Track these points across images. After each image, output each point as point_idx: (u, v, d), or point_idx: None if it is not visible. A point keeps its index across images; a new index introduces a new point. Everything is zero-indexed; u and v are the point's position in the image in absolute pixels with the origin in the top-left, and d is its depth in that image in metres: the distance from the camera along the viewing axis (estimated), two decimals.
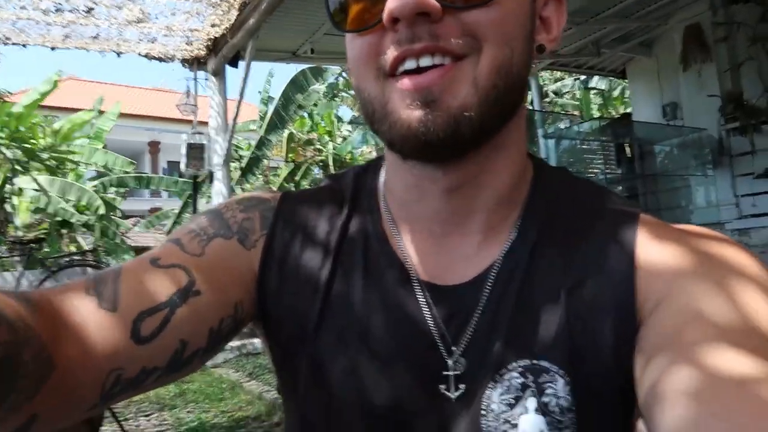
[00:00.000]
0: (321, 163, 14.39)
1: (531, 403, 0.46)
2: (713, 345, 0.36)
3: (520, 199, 0.53)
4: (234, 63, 5.59)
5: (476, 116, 0.43)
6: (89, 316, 0.42)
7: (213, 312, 0.48)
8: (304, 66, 9.09)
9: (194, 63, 5.86)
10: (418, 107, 0.42)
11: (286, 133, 12.91)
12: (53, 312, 0.41)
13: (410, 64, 0.43)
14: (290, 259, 0.54)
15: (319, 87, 12.22)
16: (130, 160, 11.03)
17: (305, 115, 14.54)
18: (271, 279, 0.54)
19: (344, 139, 15.57)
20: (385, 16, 0.42)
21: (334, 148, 14.60)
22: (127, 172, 11.32)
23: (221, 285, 0.50)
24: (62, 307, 0.42)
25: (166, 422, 4.18)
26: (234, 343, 5.85)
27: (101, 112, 11.64)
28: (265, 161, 12.01)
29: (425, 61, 0.43)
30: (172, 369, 0.46)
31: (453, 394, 0.48)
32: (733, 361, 0.35)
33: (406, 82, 0.43)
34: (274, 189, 13.27)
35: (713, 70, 6.32)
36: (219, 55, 5.53)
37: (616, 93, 13.79)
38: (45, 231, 9.26)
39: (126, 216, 15.33)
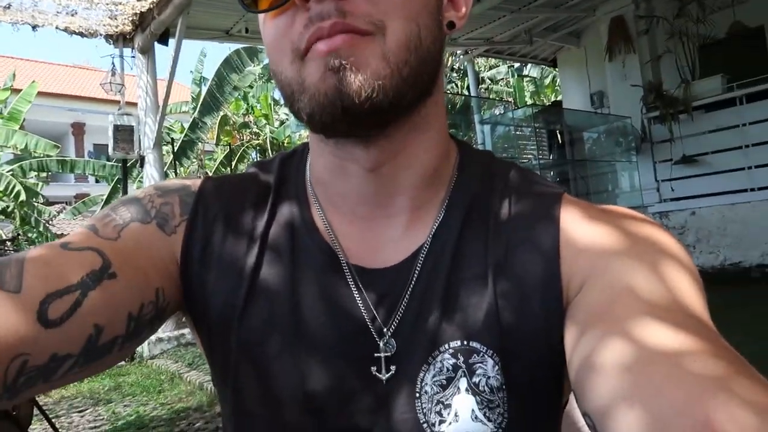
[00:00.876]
0: (258, 147, 14.05)
1: (463, 383, 0.47)
2: (643, 320, 0.37)
3: (446, 180, 0.54)
4: (163, 40, 5.34)
5: (389, 88, 0.44)
6: None
7: (131, 297, 0.46)
8: (239, 46, 8.81)
9: (120, 39, 5.55)
10: (332, 75, 0.43)
11: (219, 115, 12.51)
12: None
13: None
14: (213, 245, 0.53)
15: (255, 68, 11.88)
16: (54, 143, 10.33)
17: (240, 97, 14.12)
18: (194, 265, 0.52)
19: (282, 122, 15.26)
20: None
21: (271, 132, 14.29)
22: (49, 156, 10.61)
23: (140, 269, 0.48)
24: None
25: (101, 417, 3.98)
26: (172, 333, 5.67)
27: (16, 91, 10.82)
28: (200, 144, 11.59)
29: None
30: (88, 357, 0.43)
31: (384, 376, 0.49)
32: (662, 336, 0.36)
33: (320, 46, 0.43)
34: (210, 173, 12.89)
35: (636, 61, 6.67)
36: (147, 31, 5.26)
37: (547, 81, 14.29)
38: None
39: (50, 202, 14.42)
